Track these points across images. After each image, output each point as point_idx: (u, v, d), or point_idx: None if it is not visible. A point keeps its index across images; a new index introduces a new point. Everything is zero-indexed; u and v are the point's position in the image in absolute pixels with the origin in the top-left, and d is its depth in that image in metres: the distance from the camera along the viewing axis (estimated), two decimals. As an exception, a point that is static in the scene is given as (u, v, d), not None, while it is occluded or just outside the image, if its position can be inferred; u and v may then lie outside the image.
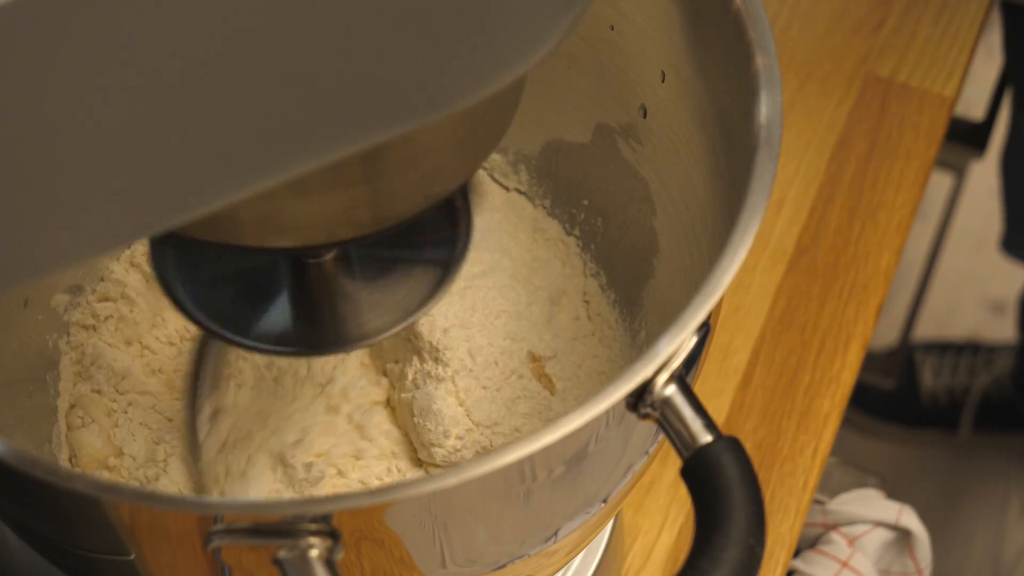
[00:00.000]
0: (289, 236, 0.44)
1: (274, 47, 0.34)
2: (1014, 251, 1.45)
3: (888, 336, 1.59)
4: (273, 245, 0.44)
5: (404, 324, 0.50)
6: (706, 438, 0.45)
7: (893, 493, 0.79)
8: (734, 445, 0.45)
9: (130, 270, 0.63)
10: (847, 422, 1.62)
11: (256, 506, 0.43)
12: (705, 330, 0.47)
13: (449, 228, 0.51)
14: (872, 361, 1.50)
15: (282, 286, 0.51)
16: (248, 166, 0.36)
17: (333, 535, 0.42)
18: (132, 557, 0.47)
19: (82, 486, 0.41)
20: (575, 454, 0.46)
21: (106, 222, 0.35)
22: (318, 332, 0.50)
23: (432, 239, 0.51)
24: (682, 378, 0.45)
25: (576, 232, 0.66)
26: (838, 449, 0.81)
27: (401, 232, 0.45)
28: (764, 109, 0.48)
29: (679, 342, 0.44)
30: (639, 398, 0.45)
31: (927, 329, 1.71)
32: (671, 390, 0.45)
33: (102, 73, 0.32)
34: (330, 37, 0.34)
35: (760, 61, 0.48)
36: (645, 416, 0.45)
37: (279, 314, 0.50)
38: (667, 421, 0.45)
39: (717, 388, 0.77)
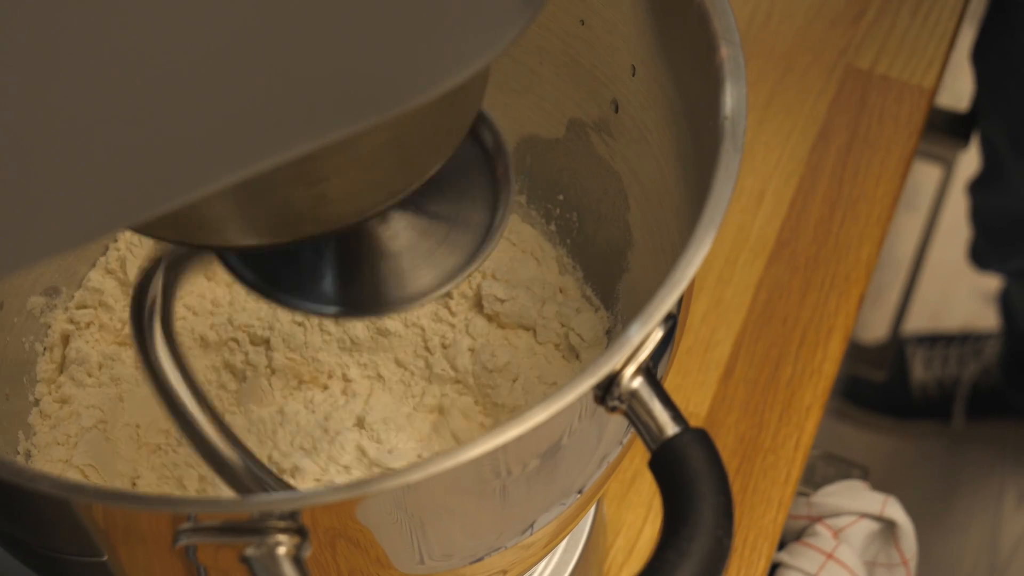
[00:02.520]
0: (256, 234, 0.44)
1: (238, 42, 0.34)
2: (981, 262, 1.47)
3: (881, 329, 1.60)
4: (242, 243, 0.44)
5: (447, 287, 0.49)
6: (673, 430, 0.45)
7: (889, 485, 0.79)
8: (701, 436, 0.45)
9: (106, 276, 0.63)
10: (841, 415, 1.62)
11: (223, 504, 0.43)
12: (672, 322, 0.47)
13: (490, 192, 0.50)
14: (864, 354, 1.51)
15: (321, 248, 0.50)
16: (216, 161, 0.36)
17: (301, 532, 0.42)
18: (104, 559, 0.47)
19: (47, 487, 0.41)
20: (549, 447, 0.46)
21: (64, 220, 0.35)
22: (358, 294, 0.49)
23: (472, 203, 0.50)
24: (649, 370, 0.45)
25: (552, 228, 0.66)
26: (833, 442, 0.81)
27: (442, 195, 0.45)
28: (729, 100, 0.48)
29: (644, 334, 0.44)
30: (607, 391, 0.45)
31: (921, 322, 1.71)
32: (638, 382, 0.45)
33: (56, 71, 0.32)
34: (295, 28, 0.34)
35: (724, 51, 0.48)
36: (613, 409, 0.45)
37: (317, 275, 0.49)
38: (635, 414, 0.45)
39: (699, 381, 0.77)
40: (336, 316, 0.51)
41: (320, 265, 0.49)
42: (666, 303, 0.44)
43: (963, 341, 1.61)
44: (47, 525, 0.46)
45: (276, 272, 0.49)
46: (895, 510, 0.76)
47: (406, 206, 0.49)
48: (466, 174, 0.49)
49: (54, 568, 0.51)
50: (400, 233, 0.49)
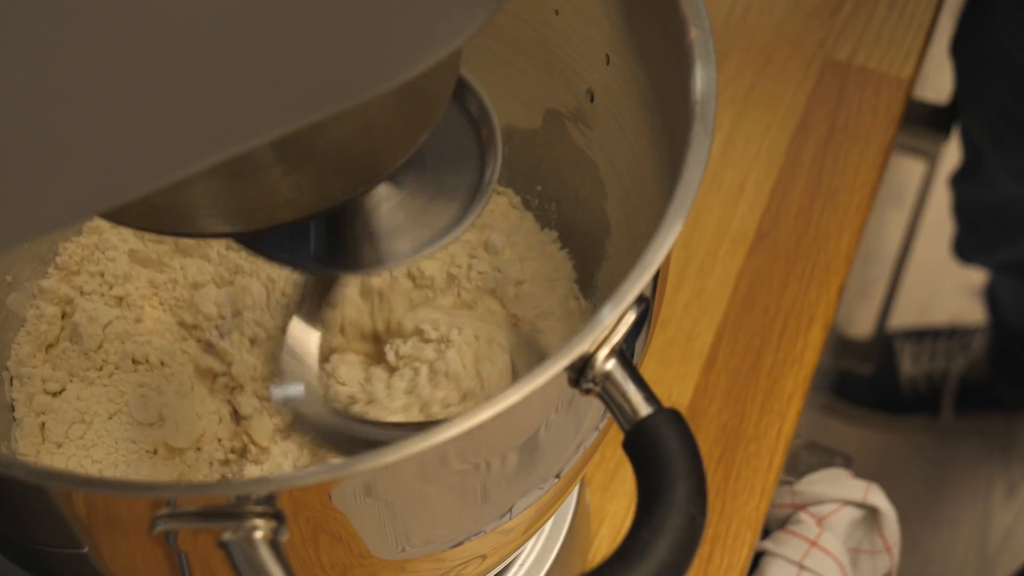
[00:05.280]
0: (231, 222, 0.44)
1: (208, 30, 0.34)
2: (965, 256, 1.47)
3: (869, 324, 1.60)
4: (211, 231, 0.44)
5: (434, 247, 0.49)
6: (647, 410, 0.45)
7: (879, 478, 0.80)
8: (674, 417, 0.45)
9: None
10: (830, 410, 1.63)
11: (201, 488, 0.44)
12: (645, 305, 0.48)
13: (477, 155, 0.51)
14: (853, 349, 1.51)
15: None
16: (186, 146, 0.36)
17: (277, 516, 0.43)
18: (85, 550, 0.47)
19: (23, 474, 0.41)
20: (526, 430, 0.47)
21: (35, 205, 0.35)
22: (345, 253, 0.50)
23: (460, 167, 0.51)
24: (622, 352, 0.46)
25: (531, 218, 0.66)
26: (822, 437, 0.81)
27: (430, 161, 0.47)
28: (699, 84, 0.48)
29: (616, 317, 0.45)
30: (580, 373, 0.45)
31: (909, 317, 1.72)
32: (611, 364, 0.45)
33: (32, 60, 0.32)
34: (264, 14, 0.34)
35: (693, 34, 0.49)
36: (587, 391, 0.46)
37: (308, 234, 0.50)
38: (608, 395, 0.46)
39: (681, 371, 0.77)
40: (318, 271, 0.52)
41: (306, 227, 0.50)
42: (637, 286, 0.45)
43: (950, 335, 1.62)
44: (27, 516, 0.46)
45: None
46: (878, 497, 0.76)
47: (393, 175, 0.49)
48: (453, 139, 0.50)
49: (39, 562, 0.51)
50: (388, 197, 0.50)
